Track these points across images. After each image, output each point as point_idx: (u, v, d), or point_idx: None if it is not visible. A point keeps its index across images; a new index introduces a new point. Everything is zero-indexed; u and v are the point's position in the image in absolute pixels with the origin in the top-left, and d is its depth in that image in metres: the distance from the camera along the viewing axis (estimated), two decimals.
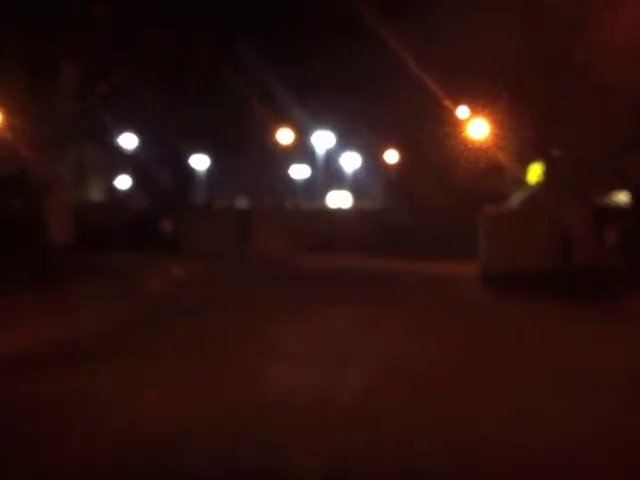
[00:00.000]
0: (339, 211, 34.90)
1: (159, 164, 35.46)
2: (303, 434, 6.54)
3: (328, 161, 40.62)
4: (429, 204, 27.76)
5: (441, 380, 8.48)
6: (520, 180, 22.78)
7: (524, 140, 22.08)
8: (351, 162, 41.21)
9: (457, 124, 26.79)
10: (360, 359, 9.63)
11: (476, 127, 26.44)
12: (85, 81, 21.32)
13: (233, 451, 6.11)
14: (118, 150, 36.92)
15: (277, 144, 37.63)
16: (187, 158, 38.39)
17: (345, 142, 39.73)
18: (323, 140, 39.92)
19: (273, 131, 36.77)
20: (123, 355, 9.48)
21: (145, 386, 8.07)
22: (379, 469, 5.86)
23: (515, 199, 21.11)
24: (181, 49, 24.86)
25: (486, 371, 8.94)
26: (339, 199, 40.18)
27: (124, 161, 37.47)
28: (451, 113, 26.02)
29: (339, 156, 41.02)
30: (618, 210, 20.39)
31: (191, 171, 39.08)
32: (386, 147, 37.21)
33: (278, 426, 6.72)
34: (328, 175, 40.66)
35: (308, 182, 41.13)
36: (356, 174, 41.14)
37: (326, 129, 39.06)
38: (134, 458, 5.96)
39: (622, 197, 22.57)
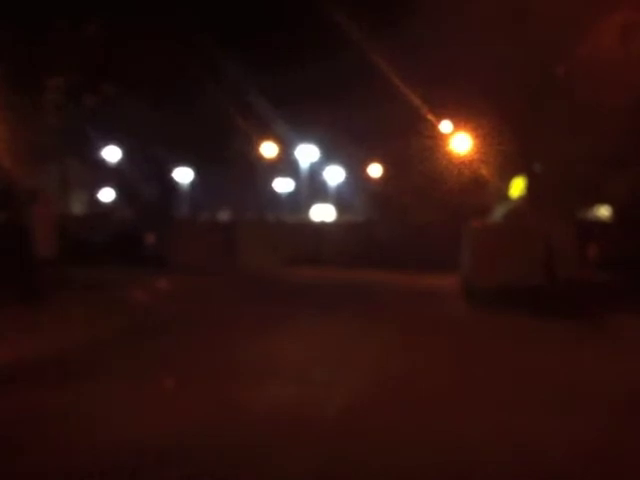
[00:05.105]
0: (323, 224, 34.98)
1: (143, 177, 35.44)
2: (288, 451, 6.55)
3: (312, 175, 40.75)
4: (412, 217, 27.89)
5: (423, 399, 8.50)
6: (502, 194, 22.90)
7: (506, 155, 22.21)
8: (335, 176, 41.36)
9: (440, 138, 26.94)
10: (345, 376, 9.64)
11: (459, 141, 26.60)
12: (70, 94, 21.37)
13: (217, 467, 6.13)
14: (101, 163, 36.92)
15: (261, 157, 37.73)
16: (171, 171, 38.44)
17: (329, 156, 39.87)
18: (307, 154, 40.06)
19: (257, 145, 36.87)
20: (105, 371, 9.43)
21: (127, 403, 8.05)
22: None
23: (497, 213, 21.23)
24: (165, 63, 24.99)
25: (467, 395, 8.86)
26: (323, 212, 40.30)
27: (107, 174, 37.46)
28: (434, 127, 26.16)
29: (323, 170, 41.17)
30: (601, 225, 20.51)
31: (175, 184, 39.09)
32: (370, 161, 37.38)
33: (263, 444, 6.70)
34: (312, 189, 40.78)
35: (292, 195, 41.25)
36: (340, 188, 41.28)
37: (310, 143, 39.21)
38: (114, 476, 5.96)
39: (603, 212, 22.75)
